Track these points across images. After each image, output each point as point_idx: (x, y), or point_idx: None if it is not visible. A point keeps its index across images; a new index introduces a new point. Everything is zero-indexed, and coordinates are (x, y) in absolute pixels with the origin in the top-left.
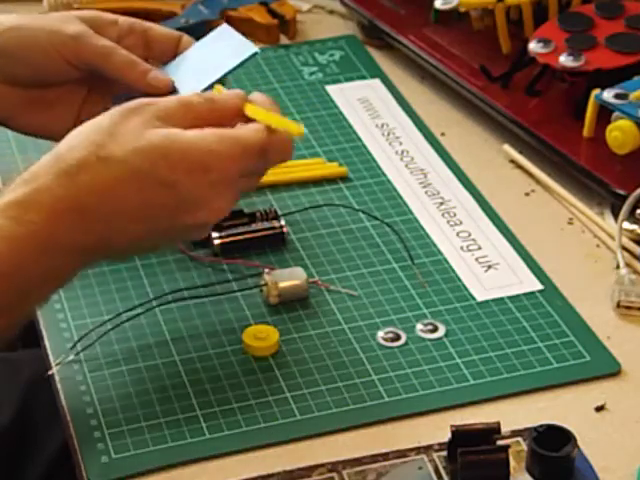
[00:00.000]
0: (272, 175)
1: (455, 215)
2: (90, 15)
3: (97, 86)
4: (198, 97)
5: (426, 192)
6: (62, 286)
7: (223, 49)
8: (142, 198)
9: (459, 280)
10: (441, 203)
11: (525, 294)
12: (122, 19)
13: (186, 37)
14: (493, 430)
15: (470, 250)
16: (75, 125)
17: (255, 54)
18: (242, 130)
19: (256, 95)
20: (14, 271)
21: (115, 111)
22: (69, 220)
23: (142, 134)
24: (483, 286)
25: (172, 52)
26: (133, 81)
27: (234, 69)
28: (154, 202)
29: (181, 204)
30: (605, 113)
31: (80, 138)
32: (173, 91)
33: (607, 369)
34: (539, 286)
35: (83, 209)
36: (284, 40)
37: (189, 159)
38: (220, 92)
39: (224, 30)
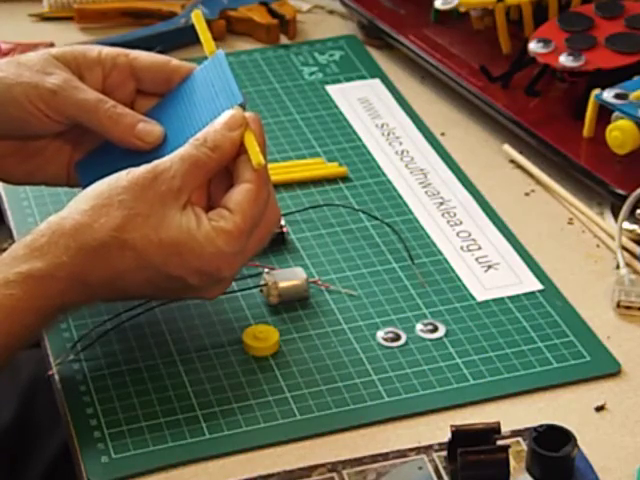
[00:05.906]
0: (272, 175)
1: (455, 215)
2: (72, 55)
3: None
4: (204, 150)
5: (426, 192)
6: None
7: (213, 90)
8: (148, 284)
9: (459, 280)
10: (441, 203)
11: (525, 294)
12: (105, 52)
13: (175, 61)
14: (493, 430)
15: (470, 250)
16: (69, 167)
17: (242, 104)
18: (247, 220)
19: (252, 120)
20: (15, 331)
21: (131, 184)
22: (75, 289)
23: (162, 220)
24: (483, 286)
25: (164, 79)
26: (119, 137)
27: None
28: (159, 286)
29: (186, 289)
30: (605, 113)
31: (102, 214)
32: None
33: (607, 369)
34: (539, 286)
35: (91, 284)
36: (284, 40)
37: (201, 262)
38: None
39: (218, 60)
